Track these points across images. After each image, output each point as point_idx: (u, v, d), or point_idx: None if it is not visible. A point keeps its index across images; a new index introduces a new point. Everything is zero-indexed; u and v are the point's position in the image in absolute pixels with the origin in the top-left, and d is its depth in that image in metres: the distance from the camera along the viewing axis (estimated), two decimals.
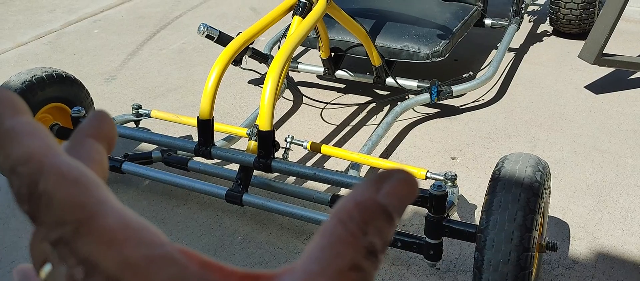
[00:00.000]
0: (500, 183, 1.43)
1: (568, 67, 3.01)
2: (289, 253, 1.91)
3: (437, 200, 1.57)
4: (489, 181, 1.47)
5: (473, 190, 2.13)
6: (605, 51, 2.53)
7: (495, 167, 1.51)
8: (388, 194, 0.24)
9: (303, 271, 0.23)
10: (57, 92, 2.24)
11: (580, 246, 1.85)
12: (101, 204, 0.23)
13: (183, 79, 3.15)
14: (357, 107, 2.75)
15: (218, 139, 2.36)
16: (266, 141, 1.81)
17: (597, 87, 2.79)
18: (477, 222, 1.95)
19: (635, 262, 1.78)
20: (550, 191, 1.56)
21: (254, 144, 2.03)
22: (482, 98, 2.75)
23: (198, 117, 1.91)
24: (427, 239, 1.63)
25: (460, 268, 1.81)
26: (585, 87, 2.80)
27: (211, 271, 0.24)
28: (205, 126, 1.90)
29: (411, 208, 2.06)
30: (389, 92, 2.85)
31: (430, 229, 1.61)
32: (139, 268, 0.22)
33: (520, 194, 1.38)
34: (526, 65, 3.06)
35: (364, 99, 2.84)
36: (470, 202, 2.08)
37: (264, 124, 1.80)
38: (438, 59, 2.51)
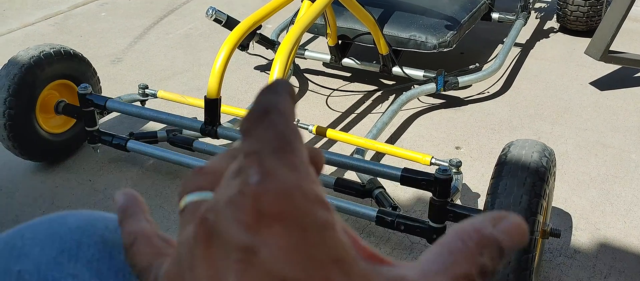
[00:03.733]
0: (506, 167, 1.43)
1: (574, 63, 3.02)
2: None
3: (441, 184, 1.57)
4: (495, 166, 1.48)
5: (476, 179, 2.14)
6: (611, 48, 2.53)
7: (502, 152, 1.52)
8: (504, 231, 0.26)
9: (422, 268, 0.26)
10: (65, 69, 2.25)
11: (582, 236, 1.86)
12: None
13: (189, 63, 3.15)
14: (362, 95, 2.76)
15: (223, 121, 2.37)
16: None
17: (603, 83, 2.79)
18: (481, 208, 1.96)
19: (637, 253, 1.79)
20: (555, 178, 1.57)
21: None
22: (487, 90, 2.76)
23: (205, 96, 1.91)
24: (431, 223, 1.64)
25: None
26: (590, 83, 2.81)
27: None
28: (212, 105, 1.91)
29: (415, 193, 2.06)
30: (394, 82, 2.85)
31: (434, 213, 1.62)
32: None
33: (526, 179, 1.39)
34: (532, 60, 3.07)
35: (369, 87, 2.85)
36: (473, 191, 2.08)
37: None
38: (445, 50, 2.52)
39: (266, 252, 0.24)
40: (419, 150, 2.33)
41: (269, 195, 0.24)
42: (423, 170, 1.99)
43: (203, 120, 1.95)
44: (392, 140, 2.41)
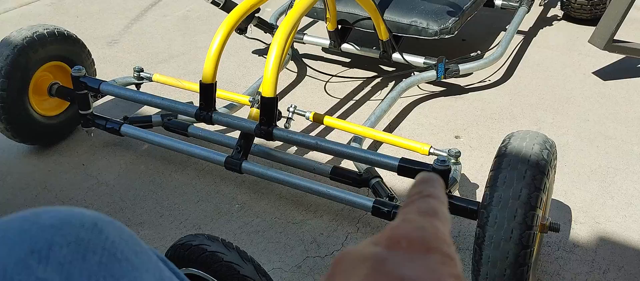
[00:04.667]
0: (505, 159, 1.40)
1: (577, 52, 2.97)
2: (286, 223, 1.89)
3: (440, 175, 1.54)
4: (495, 157, 1.44)
5: (475, 170, 2.11)
6: (616, 38, 2.49)
7: (502, 143, 1.48)
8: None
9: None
10: (58, 50, 2.21)
11: (581, 230, 1.83)
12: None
13: (186, 46, 3.10)
14: (361, 81, 2.72)
15: (220, 106, 2.33)
16: (269, 107, 1.78)
17: (606, 73, 2.75)
18: (479, 200, 1.93)
19: (636, 248, 1.76)
20: (555, 171, 1.53)
21: (256, 111, 2.00)
22: (488, 79, 2.71)
23: (200, 81, 1.87)
24: None
25: (460, 246, 1.79)
26: (593, 73, 2.76)
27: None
28: (208, 90, 1.87)
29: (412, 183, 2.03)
30: (394, 68, 2.81)
31: None
32: None
33: (526, 172, 1.36)
34: (534, 48, 3.02)
35: (369, 73, 2.80)
36: (472, 181, 2.05)
37: (267, 91, 1.76)
38: (446, 37, 2.47)
39: (393, 260, 0.29)
40: (418, 139, 2.29)
41: (403, 228, 0.32)
42: (421, 160, 1.96)
43: (198, 105, 1.91)
44: (390, 128, 2.38)
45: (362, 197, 1.73)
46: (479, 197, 1.95)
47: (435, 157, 1.59)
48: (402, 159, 1.63)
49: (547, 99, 2.55)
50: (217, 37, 1.87)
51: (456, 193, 1.94)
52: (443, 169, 1.53)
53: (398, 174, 1.65)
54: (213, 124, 1.91)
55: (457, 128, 2.36)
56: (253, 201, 1.99)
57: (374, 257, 0.30)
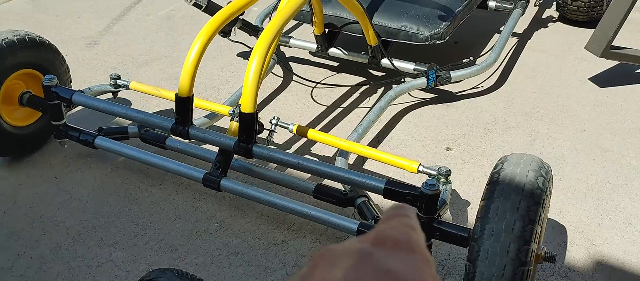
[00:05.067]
0: (498, 188, 1.30)
1: (573, 56, 2.88)
2: (267, 244, 1.79)
3: (428, 200, 1.45)
4: (486, 185, 1.35)
5: (467, 185, 2.01)
6: (613, 44, 2.39)
7: (494, 169, 1.38)
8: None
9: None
10: (30, 57, 2.09)
11: (577, 253, 1.74)
12: None
13: (169, 48, 2.99)
14: (349, 87, 2.61)
15: (200, 115, 2.22)
16: (248, 124, 1.68)
17: (602, 79, 2.66)
18: (469, 223, 1.84)
19: (635, 274, 1.67)
20: (551, 197, 1.44)
21: (235, 125, 1.90)
22: (481, 85, 2.62)
23: (176, 94, 1.77)
24: None
25: (449, 270, 1.69)
26: (589, 79, 2.67)
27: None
28: (184, 103, 1.77)
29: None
30: (384, 74, 2.71)
31: None
32: None
33: (519, 202, 1.26)
34: (529, 52, 2.92)
35: (357, 79, 2.70)
36: (463, 197, 1.96)
37: (246, 106, 1.66)
38: (438, 42, 2.37)
39: (379, 254, 0.31)
40: (408, 150, 2.20)
41: (389, 230, 0.34)
42: (409, 181, 1.86)
43: (175, 119, 1.80)
44: (379, 138, 2.28)
45: (347, 219, 1.64)
46: (471, 216, 1.86)
47: (425, 178, 1.50)
48: (389, 182, 1.54)
49: (542, 107, 2.46)
50: (195, 47, 1.76)
51: (448, 213, 1.85)
52: (432, 194, 1.44)
53: (384, 197, 1.55)
54: (190, 140, 1.81)
55: (448, 139, 2.26)
56: (233, 219, 1.89)
57: (359, 251, 0.32)
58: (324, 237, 1.82)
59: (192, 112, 1.79)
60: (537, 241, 1.27)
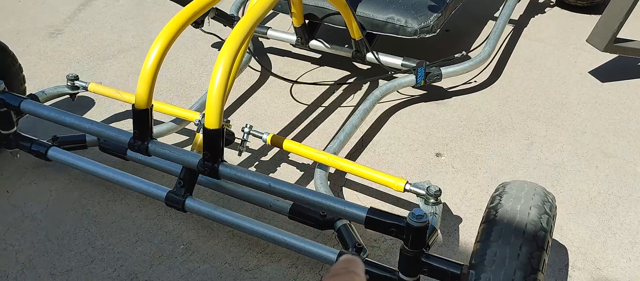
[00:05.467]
0: (496, 229, 1.12)
1: (572, 46, 2.69)
2: (238, 270, 1.62)
3: (415, 233, 1.27)
4: (482, 223, 1.17)
5: (458, 198, 1.84)
6: (618, 37, 2.20)
7: (491, 202, 1.20)
8: None
9: None
10: None
11: (580, 279, 1.58)
12: None
13: (138, 38, 2.77)
14: (332, 83, 2.42)
15: (167, 119, 2.03)
16: (213, 141, 1.48)
17: (604, 73, 2.47)
18: (461, 247, 1.67)
19: None
20: (554, 229, 1.27)
21: (201, 138, 1.70)
22: (474, 80, 2.43)
23: (133, 106, 1.56)
24: (401, 275, 1.34)
25: None
26: (590, 72, 2.49)
27: None
28: (142, 116, 1.56)
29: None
30: (369, 67, 2.51)
31: (406, 265, 1.32)
32: None
33: (520, 248, 1.09)
34: (525, 41, 2.73)
35: (341, 73, 2.50)
36: (454, 213, 1.78)
37: (210, 121, 1.46)
38: (427, 36, 2.17)
39: None
40: (394, 157, 2.01)
41: None
42: (396, 210, 1.70)
43: (132, 133, 1.61)
44: (363, 142, 2.09)
45: (325, 248, 1.46)
46: (462, 237, 1.69)
47: (411, 197, 1.32)
48: (371, 211, 1.35)
49: (540, 105, 2.28)
50: (154, 50, 1.55)
51: (439, 234, 1.68)
52: (419, 227, 1.26)
53: (366, 227, 1.37)
54: (150, 156, 1.61)
55: (439, 143, 2.08)
56: (200, 241, 1.71)
57: None
58: (301, 262, 1.64)
59: (151, 125, 1.59)
60: None
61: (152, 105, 1.58)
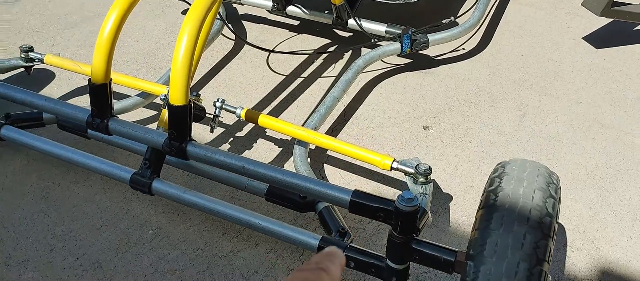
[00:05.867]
0: (496, 216, 1.00)
1: (564, 10, 2.56)
2: (212, 257, 1.49)
3: (405, 218, 1.15)
4: (481, 208, 1.05)
5: (448, 174, 1.72)
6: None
7: (490, 185, 1.08)
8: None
9: None
10: None
11: (579, 260, 1.47)
12: None
13: (102, 5, 2.58)
14: (312, 52, 2.26)
15: (133, 94, 1.87)
16: (179, 119, 1.33)
17: (598, 39, 2.35)
18: (451, 228, 1.55)
19: None
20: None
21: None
22: (462, 47, 2.29)
23: (89, 80, 1.41)
24: (389, 262, 1.22)
25: None
26: (583, 38, 2.36)
27: None
28: (99, 91, 1.41)
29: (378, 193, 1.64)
30: (351, 35, 2.36)
31: (394, 252, 1.20)
32: None
33: (524, 237, 0.97)
34: (515, 6, 2.59)
35: (321, 41, 2.35)
36: (444, 191, 1.66)
37: (175, 97, 1.31)
38: (413, 0, 2.02)
39: None
40: (379, 131, 1.88)
41: None
42: (382, 189, 1.57)
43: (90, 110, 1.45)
44: (345, 115, 1.96)
45: (305, 233, 1.33)
46: (453, 218, 1.57)
47: (399, 175, 1.19)
48: (356, 193, 1.22)
49: (532, 73, 2.15)
50: (110, 19, 1.39)
51: (429, 216, 1.56)
52: (409, 211, 1.14)
53: (350, 212, 1.25)
54: (110, 135, 1.46)
55: (426, 115, 1.95)
56: (171, 225, 1.57)
57: None
58: (280, 246, 1.51)
59: (111, 100, 1.44)
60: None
61: (111, 79, 1.43)
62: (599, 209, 1.61)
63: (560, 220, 1.58)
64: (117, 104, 1.77)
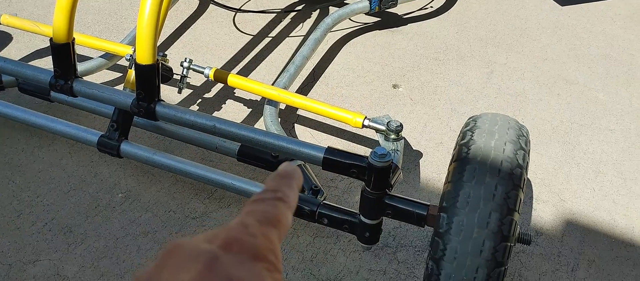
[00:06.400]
0: (469, 168, 1.02)
1: None
2: (184, 219, 1.48)
3: (378, 173, 1.15)
4: (453, 161, 1.06)
5: (418, 132, 1.73)
6: None
7: (462, 138, 1.09)
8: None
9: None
10: None
11: (545, 212, 1.52)
12: None
13: None
14: (279, 11, 2.23)
15: (96, 55, 1.82)
16: (147, 78, 1.30)
17: None
18: (422, 184, 1.58)
19: (608, 234, 1.47)
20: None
21: (134, 75, 1.52)
22: (430, 5, 2.29)
23: (51, 40, 1.36)
24: (363, 218, 1.23)
25: (401, 241, 1.44)
26: None
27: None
28: (62, 52, 1.36)
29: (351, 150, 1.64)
30: None
31: (368, 208, 1.21)
32: None
33: (496, 188, 0.99)
34: None
35: (288, 0, 2.31)
36: (414, 148, 1.68)
37: (142, 56, 1.28)
38: None
39: (224, 260, 0.32)
40: (349, 89, 1.88)
41: (236, 232, 0.34)
42: (354, 147, 1.58)
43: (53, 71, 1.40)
44: (315, 74, 1.95)
45: None
46: (424, 174, 1.60)
47: (371, 133, 1.20)
48: (329, 150, 1.23)
49: (499, 30, 2.17)
50: None
51: (400, 172, 1.57)
52: (382, 166, 1.15)
53: (323, 169, 1.25)
54: (75, 96, 1.42)
55: (395, 74, 1.95)
56: (141, 188, 1.56)
57: (207, 254, 0.31)
58: None
59: (75, 61, 1.39)
60: (514, 233, 1.01)
61: (74, 38, 1.38)
62: (563, 163, 1.65)
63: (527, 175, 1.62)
64: (79, 66, 1.72)
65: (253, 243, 0.33)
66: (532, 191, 1.57)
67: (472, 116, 1.16)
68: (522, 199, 1.02)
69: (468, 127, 1.11)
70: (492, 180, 0.99)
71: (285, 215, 0.37)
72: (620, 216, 1.51)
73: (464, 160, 1.03)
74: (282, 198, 0.38)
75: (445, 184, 1.05)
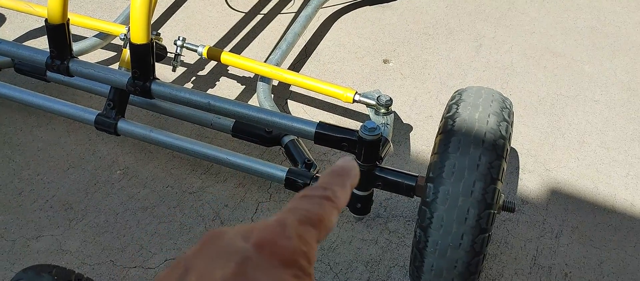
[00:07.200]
0: (454, 140, 1.06)
1: None
2: (181, 194, 1.52)
3: (368, 146, 1.20)
4: (439, 133, 1.10)
5: (408, 106, 1.78)
6: None
7: (447, 111, 1.13)
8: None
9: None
10: None
11: (530, 181, 1.57)
12: None
13: None
14: None
15: (90, 35, 1.84)
16: (142, 57, 1.34)
17: None
18: (412, 156, 1.62)
19: (590, 201, 1.53)
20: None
21: (129, 54, 1.55)
22: None
23: (46, 21, 1.38)
24: (354, 189, 1.28)
25: (392, 212, 1.49)
26: None
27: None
28: (58, 32, 1.39)
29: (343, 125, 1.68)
30: None
31: (359, 180, 1.26)
32: None
33: (480, 158, 1.03)
34: None
35: None
36: (404, 121, 1.73)
37: (137, 35, 1.31)
38: None
39: (255, 263, 0.31)
40: (340, 65, 1.92)
41: (272, 232, 0.32)
42: (345, 121, 1.62)
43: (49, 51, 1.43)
44: (307, 51, 1.98)
45: (272, 166, 1.38)
46: (414, 147, 1.64)
47: (362, 108, 1.24)
48: (320, 125, 1.27)
49: (488, 5, 2.20)
50: None
51: (391, 145, 1.62)
52: (372, 140, 1.19)
53: (315, 143, 1.29)
54: (72, 76, 1.45)
55: (386, 49, 1.99)
56: (139, 165, 1.60)
57: (241, 254, 0.31)
58: (248, 181, 1.56)
59: (70, 41, 1.42)
60: (498, 201, 1.06)
61: (69, 19, 1.41)
62: (549, 134, 1.70)
63: (513, 145, 1.66)
64: (74, 46, 1.74)
65: (286, 246, 0.32)
66: (518, 162, 1.62)
67: (458, 90, 1.21)
68: (505, 169, 1.07)
69: (454, 101, 1.15)
70: (476, 151, 1.04)
71: (330, 216, 0.34)
72: (603, 185, 1.57)
73: (449, 132, 1.08)
74: (330, 197, 0.35)
75: (431, 155, 1.10)
